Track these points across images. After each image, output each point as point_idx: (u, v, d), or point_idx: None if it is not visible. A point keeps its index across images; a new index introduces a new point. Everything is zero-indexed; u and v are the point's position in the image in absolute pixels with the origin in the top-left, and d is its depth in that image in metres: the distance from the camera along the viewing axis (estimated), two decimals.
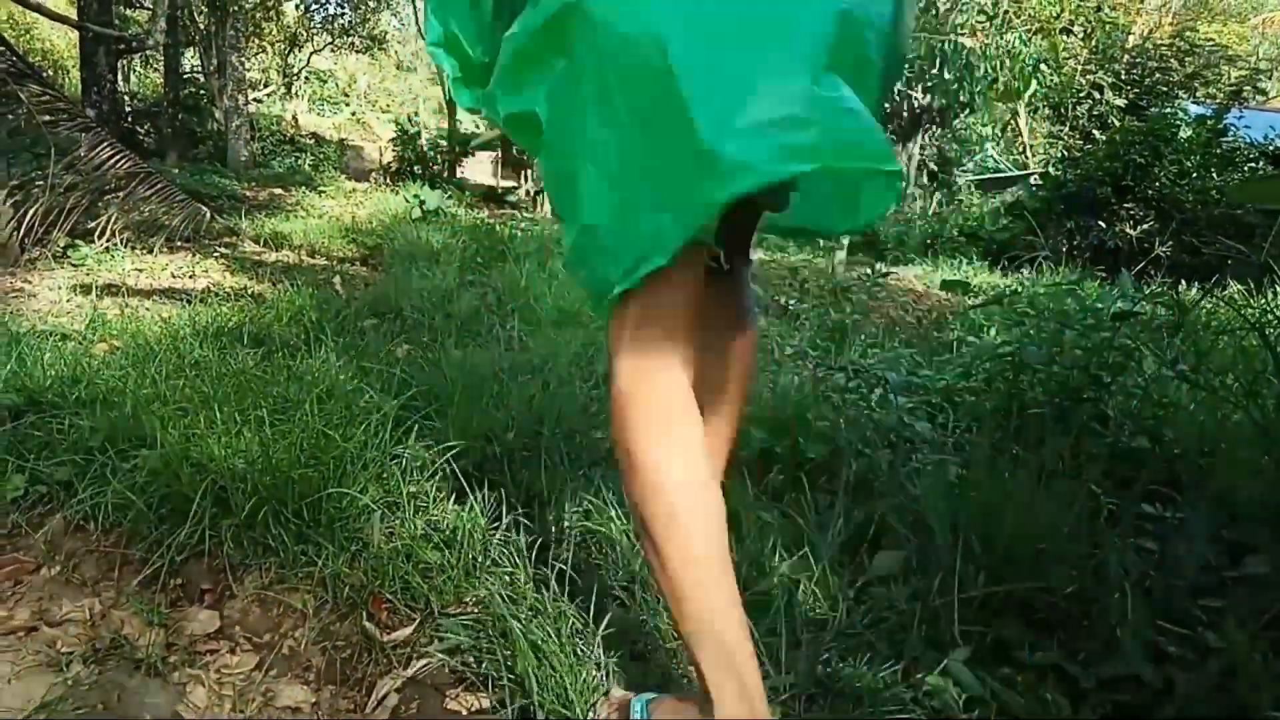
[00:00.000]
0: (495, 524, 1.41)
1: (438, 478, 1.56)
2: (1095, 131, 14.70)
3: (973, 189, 13.68)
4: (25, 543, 1.38)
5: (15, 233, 4.20)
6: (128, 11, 14.44)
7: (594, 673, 1.08)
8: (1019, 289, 3.67)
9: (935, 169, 13.59)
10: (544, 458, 1.69)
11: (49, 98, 4.75)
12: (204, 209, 5.54)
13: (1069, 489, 1.31)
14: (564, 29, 0.89)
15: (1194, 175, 8.25)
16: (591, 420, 1.98)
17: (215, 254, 5.14)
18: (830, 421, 1.90)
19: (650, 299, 0.92)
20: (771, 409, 1.98)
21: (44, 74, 5.62)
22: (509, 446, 1.75)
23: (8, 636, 1.15)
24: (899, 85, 11.61)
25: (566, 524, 1.46)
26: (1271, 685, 0.93)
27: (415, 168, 14.10)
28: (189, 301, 3.35)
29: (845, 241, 7.07)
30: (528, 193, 15.13)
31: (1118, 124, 12.41)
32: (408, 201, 8.43)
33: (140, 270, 4.43)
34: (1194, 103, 12.57)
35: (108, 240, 4.67)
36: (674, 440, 0.89)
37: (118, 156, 4.94)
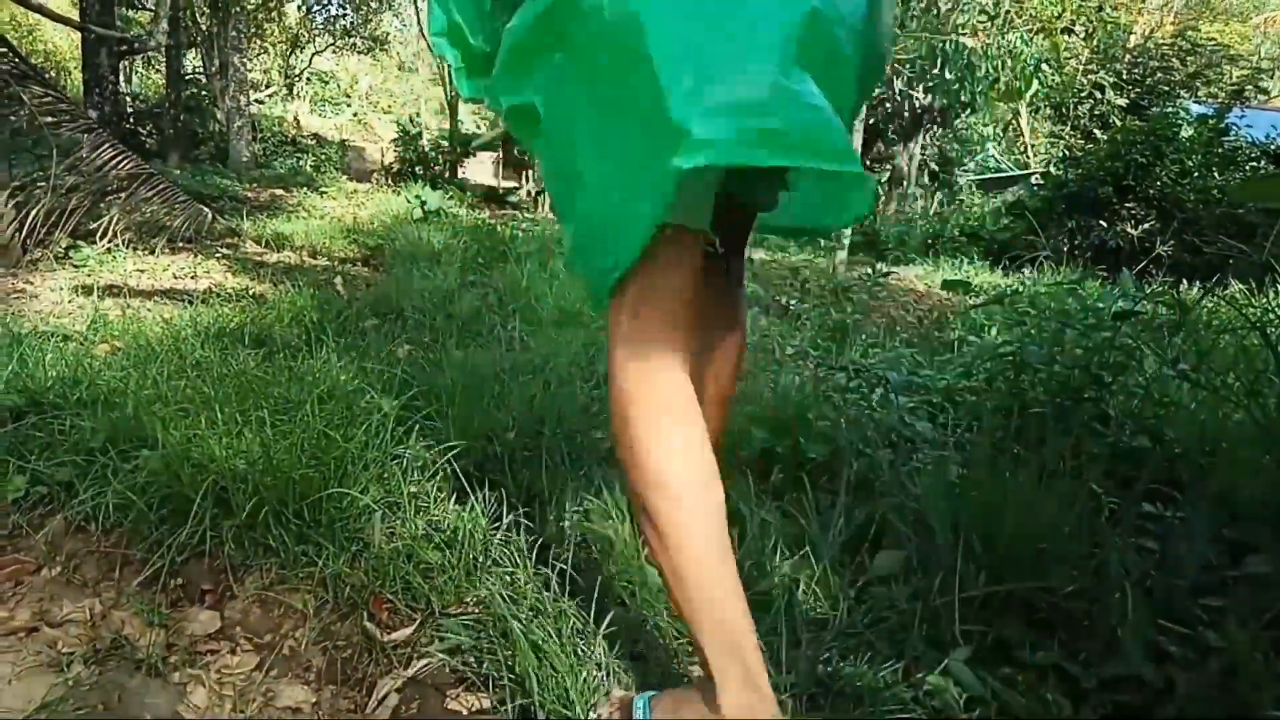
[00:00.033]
0: (496, 524, 1.41)
1: (438, 478, 1.56)
2: (1096, 131, 14.70)
3: (974, 189, 13.67)
4: (26, 543, 1.38)
5: (17, 234, 4.20)
6: (130, 13, 14.48)
7: (595, 673, 1.08)
8: (1020, 288, 3.67)
9: (936, 169, 13.57)
10: (545, 458, 1.69)
11: (51, 99, 4.76)
12: (206, 210, 5.55)
13: (1070, 488, 1.31)
14: (558, 21, 0.91)
15: (1195, 175, 8.25)
16: (592, 420, 1.98)
17: (217, 255, 5.14)
18: (831, 421, 1.90)
19: (646, 292, 0.93)
20: (773, 409, 1.98)
21: (46, 75, 5.62)
22: (510, 446, 1.75)
23: (8, 637, 1.15)
24: (899, 85, 11.62)
25: (567, 524, 1.46)
26: (1272, 684, 0.93)
27: (417, 168, 14.11)
28: (190, 302, 3.35)
29: (846, 241, 7.06)
30: (529, 193, 15.14)
31: (1119, 123, 12.41)
32: (409, 202, 8.45)
33: (142, 271, 4.44)
34: (1195, 102, 12.57)
35: (109, 241, 4.68)
36: (676, 438, 0.90)
37: (119, 157, 4.94)
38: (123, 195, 4.92)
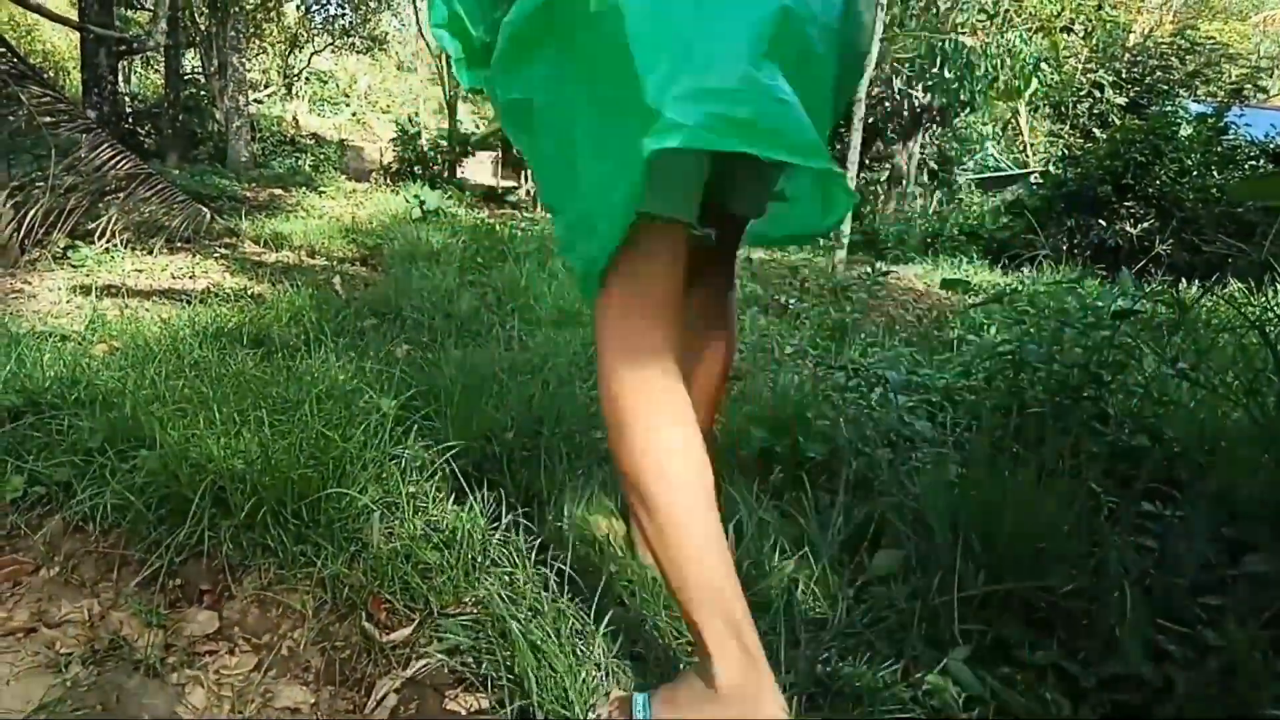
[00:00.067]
0: (495, 524, 1.40)
1: (437, 478, 1.56)
2: (1096, 130, 14.71)
3: (973, 188, 13.67)
4: (24, 544, 1.38)
5: (15, 234, 4.20)
6: (128, 13, 14.46)
7: (594, 673, 1.08)
8: (1019, 287, 3.67)
9: (936, 168, 13.57)
10: (544, 458, 1.68)
11: (50, 99, 4.75)
12: (204, 210, 5.55)
13: (1069, 487, 1.30)
14: (554, 13, 0.93)
15: (1194, 173, 8.25)
16: (591, 420, 1.98)
17: (215, 255, 5.14)
18: (830, 420, 1.90)
19: (631, 281, 0.95)
20: (772, 408, 1.98)
21: (45, 75, 5.62)
22: (509, 446, 1.75)
23: (6, 638, 1.15)
24: (898, 84, 11.61)
25: (566, 524, 1.46)
26: (1271, 683, 0.93)
27: (415, 168, 14.10)
28: (189, 302, 3.35)
29: (845, 240, 7.07)
30: (528, 193, 15.13)
31: (1118, 122, 12.42)
32: (408, 202, 8.44)
33: (140, 271, 4.43)
34: (1195, 101, 12.58)
35: (108, 241, 4.67)
36: (673, 437, 0.92)
37: (118, 157, 4.94)
38: (121, 195, 4.91)
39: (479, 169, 17.46)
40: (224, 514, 1.35)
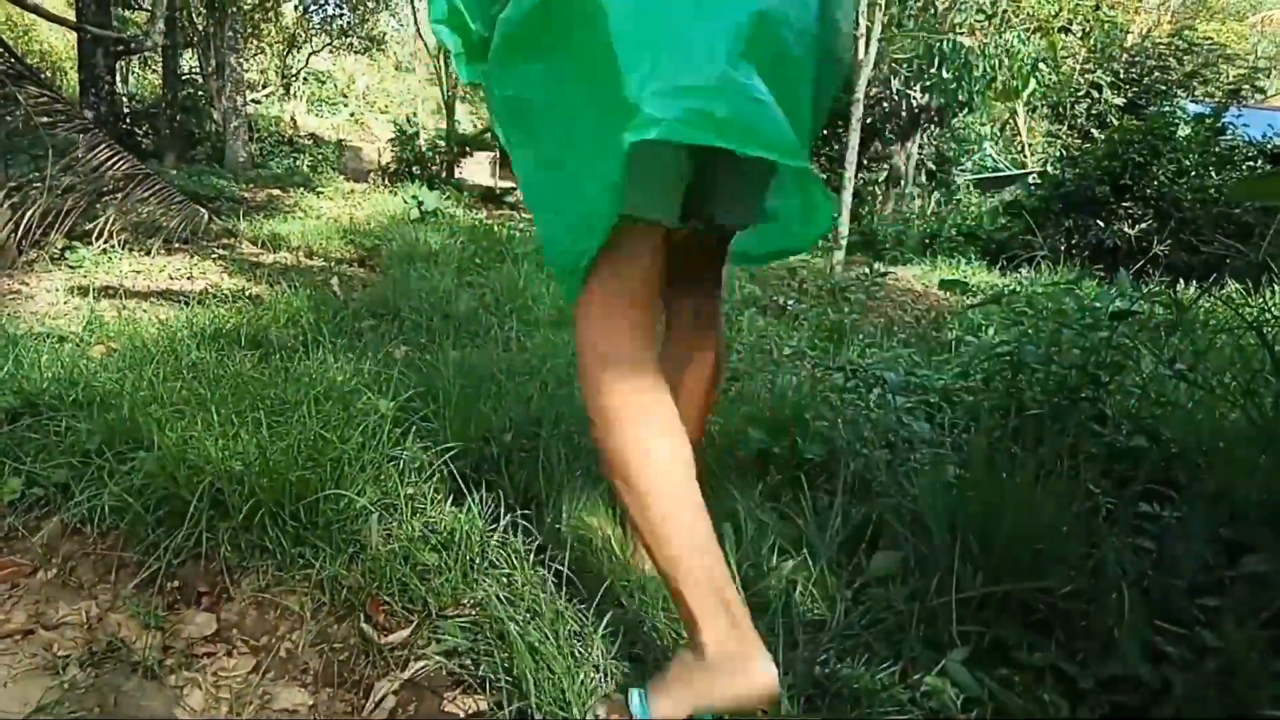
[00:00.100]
0: (493, 525, 1.40)
1: (435, 479, 1.56)
2: (1094, 130, 14.72)
3: (971, 188, 13.67)
4: (22, 545, 1.38)
5: (13, 234, 4.19)
6: (126, 13, 14.43)
7: (592, 674, 1.08)
8: (1017, 288, 3.67)
9: (934, 168, 13.56)
10: (542, 459, 1.68)
11: (47, 99, 4.74)
12: (202, 210, 5.54)
13: (1067, 488, 1.31)
14: (552, 12, 0.95)
15: (1192, 174, 8.25)
16: (589, 421, 1.98)
17: (213, 255, 5.13)
18: (828, 421, 1.90)
19: (612, 281, 1.00)
20: (770, 409, 1.98)
21: (42, 75, 5.61)
22: (507, 448, 1.75)
23: (4, 640, 1.15)
24: (896, 84, 11.61)
25: (564, 525, 1.46)
26: (1270, 684, 0.93)
27: (413, 168, 14.07)
28: (186, 303, 3.34)
29: (844, 241, 7.07)
30: None
31: (1116, 123, 12.42)
32: (406, 202, 8.43)
33: (138, 272, 4.43)
34: (1192, 101, 12.59)
35: (105, 242, 4.66)
36: (646, 417, 0.97)
37: (116, 158, 4.93)
38: (119, 196, 4.90)
39: (477, 169, 17.45)
40: (222, 516, 1.35)
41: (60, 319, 3.06)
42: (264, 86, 20.16)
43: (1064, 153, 11.48)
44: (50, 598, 1.25)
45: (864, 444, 1.75)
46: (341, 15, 18.71)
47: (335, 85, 25.86)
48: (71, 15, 9.41)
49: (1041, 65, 11.21)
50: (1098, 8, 12.89)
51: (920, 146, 12.99)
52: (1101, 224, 8.39)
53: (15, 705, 1.02)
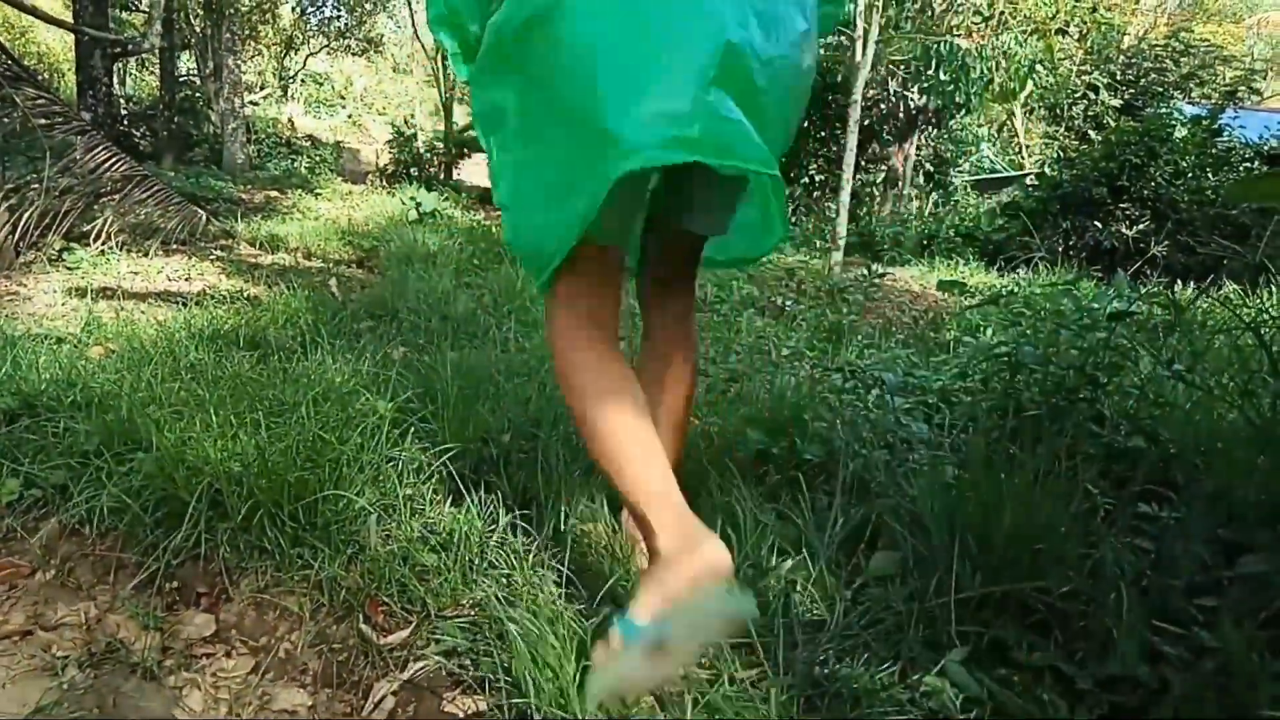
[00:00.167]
0: (492, 526, 1.40)
1: (434, 480, 1.56)
2: (1091, 132, 14.73)
3: (969, 189, 13.68)
4: (20, 547, 1.37)
5: (10, 236, 4.18)
6: (123, 15, 14.43)
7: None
8: (1015, 289, 3.68)
9: (931, 169, 13.57)
10: (540, 459, 1.68)
11: (44, 101, 4.74)
12: (200, 212, 5.53)
13: (1065, 489, 1.31)
14: (533, 32, 1.01)
15: (1189, 175, 8.26)
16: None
17: (211, 257, 5.13)
18: (827, 422, 1.90)
19: (574, 300, 1.11)
20: (768, 410, 1.98)
21: (39, 77, 5.61)
22: (505, 448, 1.75)
23: (3, 641, 1.15)
24: (894, 86, 11.63)
25: (563, 526, 1.46)
26: (1268, 684, 0.93)
27: (411, 170, 14.07)
28: (185, 304, 3.34)
29: (841, 242, 7.08)
30: None
31: (1113, 124, 12.44)
32: (404, 203, 8.43)
33: (136, 273, 4.43)
34: (1189, 103, 12.61)
35: (103, 243, 4.66)
36: (605, 381, 1.08)
37: (113, 159, 4.92)
38: (116, 197, 4.89)
39: (475, 171, 17.42)
40: (221, 517, 1.35)
41: (58, 320, 3.06)
42: (262, 88, 20.15)
43: (1061, 154, 11.49)
44: (49, 599, 1.25)
45: (862, 444, 1.75)
46: (339, 17, 18.71)
47: (333, 87, 25.87)
48: (68, 17, 9.39)
49: (1039, 67, 11.23)
50: (1094, 10, 12.89)
51: (918, 148, 13.00)
52: (1099, 225, 8.40)
53: (14, 706, 1.02)
